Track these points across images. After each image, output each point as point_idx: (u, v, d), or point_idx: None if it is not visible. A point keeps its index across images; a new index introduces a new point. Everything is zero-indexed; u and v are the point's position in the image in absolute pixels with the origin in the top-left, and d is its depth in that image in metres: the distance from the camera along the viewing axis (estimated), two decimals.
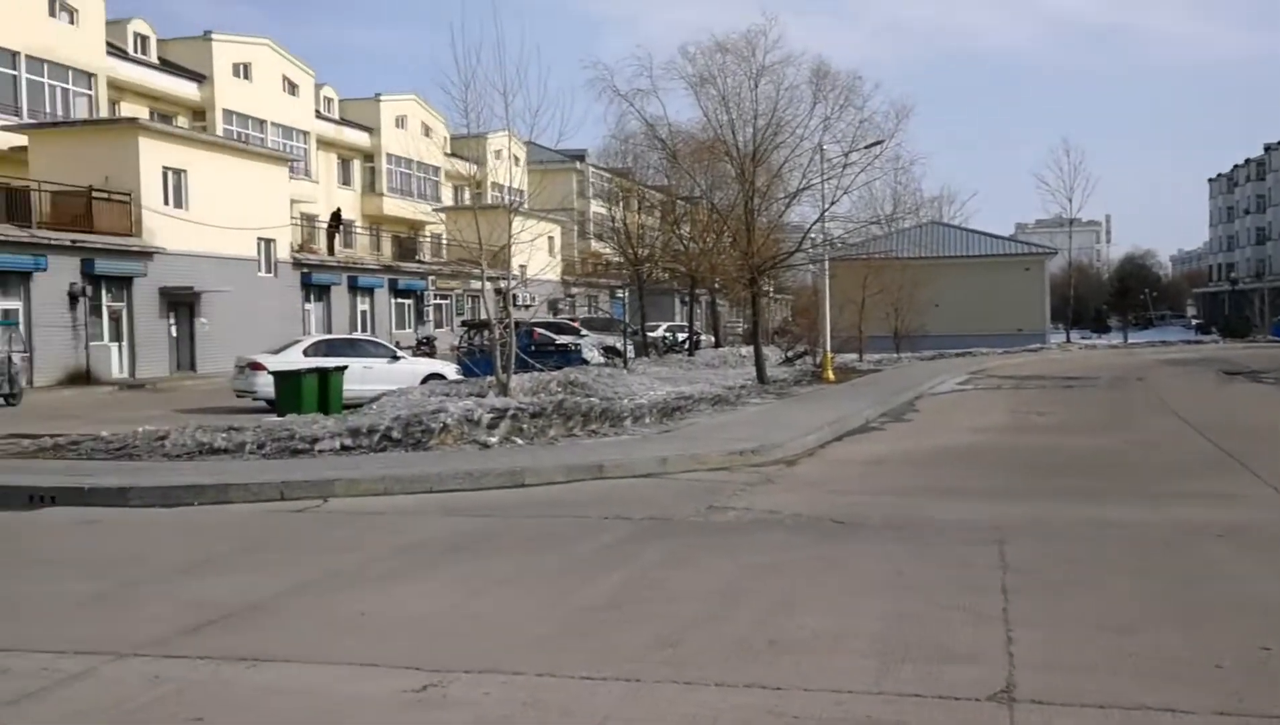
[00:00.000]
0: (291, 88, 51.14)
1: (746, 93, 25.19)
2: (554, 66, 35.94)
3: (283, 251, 40.92)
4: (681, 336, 43.61)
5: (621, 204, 39.43)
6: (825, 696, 5.23)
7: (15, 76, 36.39)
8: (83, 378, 30.86)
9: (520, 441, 15.01)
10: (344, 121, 56.82)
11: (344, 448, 14.27)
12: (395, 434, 14.65)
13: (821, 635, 6.24)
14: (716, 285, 38.27)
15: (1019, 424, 19.11)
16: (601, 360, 30.73)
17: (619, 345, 33.78)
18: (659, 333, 43.94)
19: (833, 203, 27.43)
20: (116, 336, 33.18)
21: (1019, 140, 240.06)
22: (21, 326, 29.09)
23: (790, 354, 35.41)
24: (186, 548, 9.24)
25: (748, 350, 34.51)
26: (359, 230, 54.96)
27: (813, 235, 30.21)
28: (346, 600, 7.28)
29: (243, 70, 48.17)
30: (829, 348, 29.72)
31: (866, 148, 26.55)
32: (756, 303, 27.39)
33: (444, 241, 56.65)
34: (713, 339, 41.49)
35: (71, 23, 38.46)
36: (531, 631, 6.44)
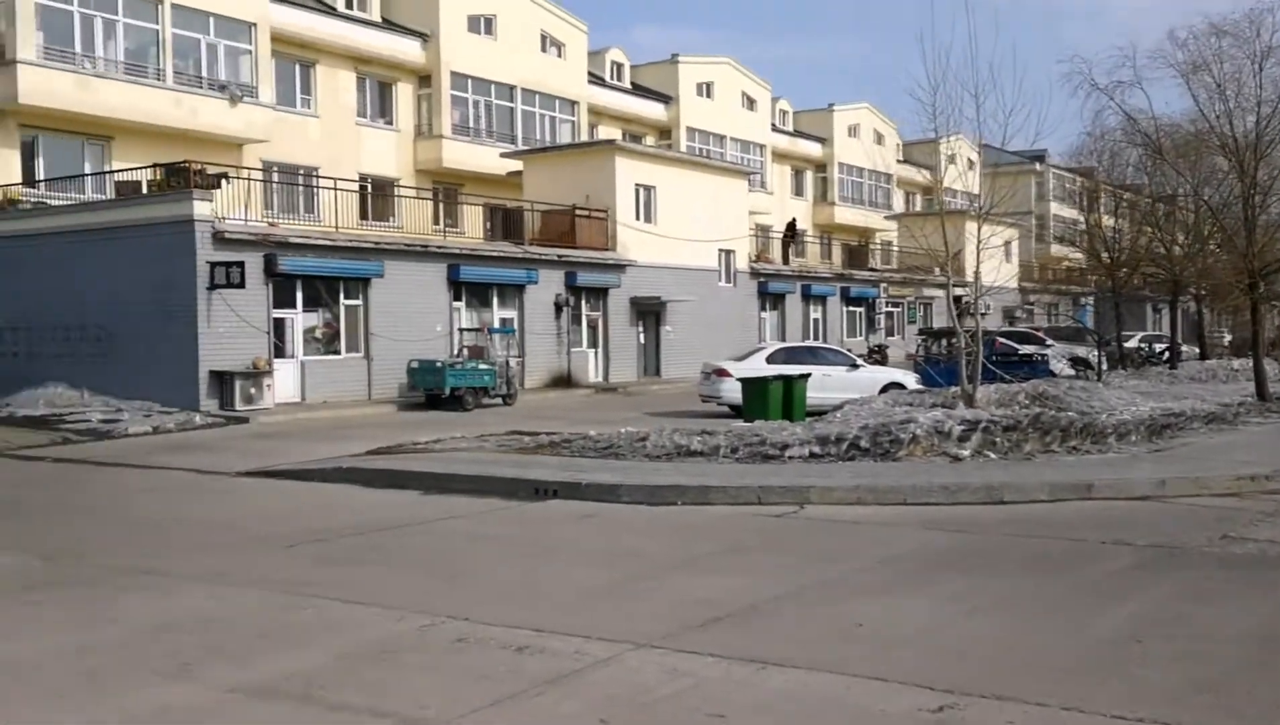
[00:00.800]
0: (749, 103, 52.95)
1: (1248, 78, 22.54)
2: (1026, 64, 34.65)
3: (741, 262, 42.28)
4: (1159, 347, 40.09)
5: (1093, 205, 36.81)
6: None
7: (512, 108, 40.63)
8: (564, 381, 33.61)
9: (993, 455, 14.35)
10: (797, 133, 57.97)
11: (813, 455, 14.35)
12: (863, 443, 14.54)
13: None
14: (1202, 291, 34.81)
15: None
16: (1070, 372, 28.95)
17: (1089, 356, 31.66)
18: (1133, 343, 40.66)
19: None
20: (593, 343, 35.84)
21: None
22: (516, 333, 32.25)
23: None
24: (675, 545, 9.66)
25: (1239, 363, 31.07)
26: (809, 239, 55.73)
27: None
28: (841, 609, 7.25)
29: (705, 89, 50.59)
30: None
31: None
32: (1256, 310, 24.40)
33: (894, 248, 56.09)
34: (1196, 350, 37.75)
35: (559, 56, 42.35)
36: (1045, 659, 6.04)
